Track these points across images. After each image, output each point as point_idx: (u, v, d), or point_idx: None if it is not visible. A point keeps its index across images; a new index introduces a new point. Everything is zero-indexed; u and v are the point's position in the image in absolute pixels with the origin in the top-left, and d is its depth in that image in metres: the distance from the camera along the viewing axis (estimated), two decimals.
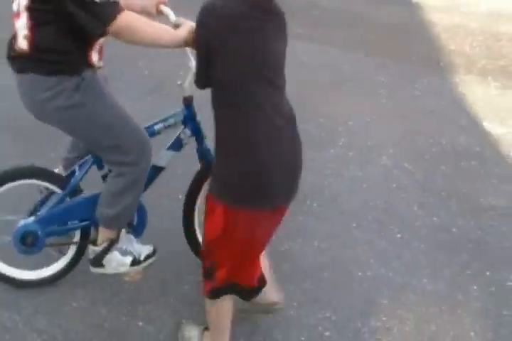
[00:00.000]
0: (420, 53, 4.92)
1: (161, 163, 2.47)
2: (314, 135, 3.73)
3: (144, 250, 2.49)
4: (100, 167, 2.44)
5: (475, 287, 2.70)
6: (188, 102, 2.45)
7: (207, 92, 1.91)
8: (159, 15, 2.43)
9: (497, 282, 2.73)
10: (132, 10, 2.19)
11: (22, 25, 2.12)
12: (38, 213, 2.44)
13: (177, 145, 2.50)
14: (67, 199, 2.45)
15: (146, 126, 2.42)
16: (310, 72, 4.52)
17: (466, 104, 4.22)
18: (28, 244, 2.43)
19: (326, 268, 2.74)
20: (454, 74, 4.59)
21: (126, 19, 2.05)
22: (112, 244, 2.44)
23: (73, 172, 2.49)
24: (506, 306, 2.59)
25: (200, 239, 2.63)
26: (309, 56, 4.76)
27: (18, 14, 2.13)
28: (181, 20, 2.19)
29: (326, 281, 2.67)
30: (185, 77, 2.36)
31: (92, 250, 2.45)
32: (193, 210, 2.62)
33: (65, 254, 2.59)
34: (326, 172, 3.43)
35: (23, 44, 2.14)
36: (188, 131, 2.50)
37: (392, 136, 3.81)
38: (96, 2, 2.00)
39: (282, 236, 2.79)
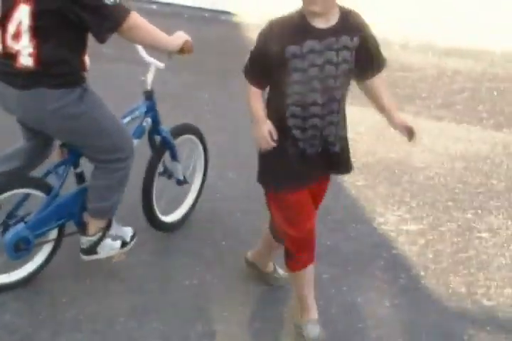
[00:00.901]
0: None
1: None
2: None
3: (127, 232, 2.78)
4: (76, 166, 2.65)
5: None
6: (149, 95, 2.85)
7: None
8: None
9: (316, 275, 2.94)
10: None
11: (25, 44, 2.20)
12: (26, 219, 2.56)
13: (140, 133, 2.85)
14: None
15: None
16: None
17: None
18: (20, 250, 2.54)
19: (153, 280, 2.83)
20: None
21: (135, 20, 2.27)
22: (105, 232, 2.68)
23: (47, 174, 2.61)
24: (322, 297, 2.78)
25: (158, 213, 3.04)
26: None
27: (16, 35, 2.21)
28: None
29: (154, 292, 2.75)
30: (146, 74, 2.80)
31: (87, 240, 2.67)
32: (151, 188, 2.96)
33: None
34: None
35: (28, 61, 2.24)
36: (149, 120, 2.87)
37: (219, 150, 3.97)
38: (106, 5, 2.17)
39: None
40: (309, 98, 2.21)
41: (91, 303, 2.64)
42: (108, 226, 2.70)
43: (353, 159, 3.75)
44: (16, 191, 2.53)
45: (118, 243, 2.73)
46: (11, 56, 2.26)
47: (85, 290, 2.71)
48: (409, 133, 2.27)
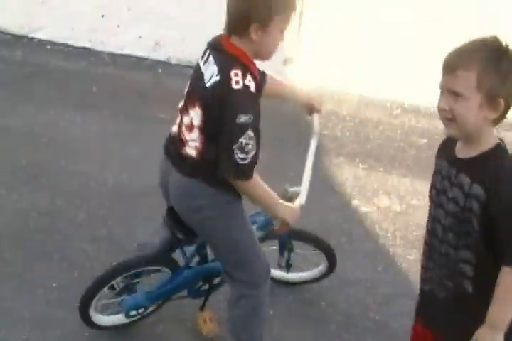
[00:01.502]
0: (296, 138, 5.21)
1: None
2: None
3: None
4: (203, 248, 2.73)
5: None
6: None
7: None
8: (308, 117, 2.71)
9: None
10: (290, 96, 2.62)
11: (194, 138, 2.28)
12: (149, 290, 2.74)
13: (264, 225, 2.79)
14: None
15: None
16: None
17: (336, 184, 4.50)
18: (136, 312, 2.75)
19: None
20: (325, 156, 4.89)
21: (249, 186, 2.27)
22: None
23: (173, 250, 2.70)
24: None
25: None
26: None
27: (190, 127, 2.28)
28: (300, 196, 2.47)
29: None
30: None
31: None
32: None
33: None
34: None
35: (192, 152, 2.30)
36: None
37: None
38: (236, 159, 2.16)
39: None
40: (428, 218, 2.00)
41: None
42: None
43: (405, 232, 3.73)
44: (145, 268, 2.68)
45: None
46: (182, 142, 2.34)
47: None
48: None
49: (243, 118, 2.11)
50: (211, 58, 2.22)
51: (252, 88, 2.14)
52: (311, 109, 2.69)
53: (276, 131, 4.92)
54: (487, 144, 1.81)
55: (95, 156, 4.35)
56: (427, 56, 6.13)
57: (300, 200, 2.46)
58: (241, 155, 2.15)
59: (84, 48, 6.13)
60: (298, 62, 6.32)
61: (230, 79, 2.12)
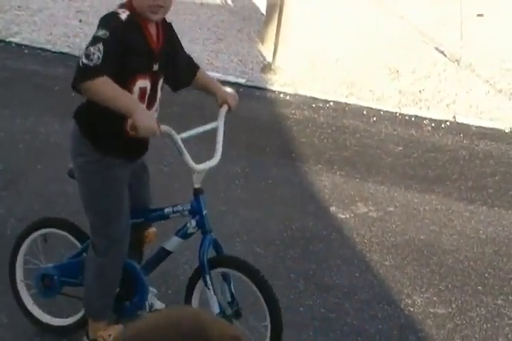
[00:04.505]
0: (274, 145, 5.26)
1: (168, 247, 2.63)
2: None
3: None
4: None
5: None
6: (196, 194, 2.53)
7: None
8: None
9: None
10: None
11: None
12: (59, 261, 2.77)
13: (183, 233, 2.59)
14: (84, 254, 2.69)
15: (157, 208, 2.65)
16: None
17: (314, 191, 4.54)
18: (45, 285, 2.72)
19: None
20: (304, 164, 4.94)
21: (92, 84, 2.26)
22: None
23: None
24: None
25: None
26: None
27: None
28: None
29: None
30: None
31: None
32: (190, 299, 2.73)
33: None
34: (182, 260, 3.54)
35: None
36: (193, 222, 2.55)
37: (246, 224, 4.01)
38: (79, 62, 2.28)
39: None
40: None
41: None
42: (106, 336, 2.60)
43: (381, 238, 3.80)
44: (55, 230, 2.75)
45: None
46: None
47: None
48: None
49: (99, 32, 2.29)
50: None
51: (123, 16, 2.34)
52: (222, 102, 2.79)
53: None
54: None
55: None
56: (403, 65, 6.23)
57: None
58: (84, 60, 2.26)
59: (63, 53, 6.11)
60: (276, 70, 6.38)
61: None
